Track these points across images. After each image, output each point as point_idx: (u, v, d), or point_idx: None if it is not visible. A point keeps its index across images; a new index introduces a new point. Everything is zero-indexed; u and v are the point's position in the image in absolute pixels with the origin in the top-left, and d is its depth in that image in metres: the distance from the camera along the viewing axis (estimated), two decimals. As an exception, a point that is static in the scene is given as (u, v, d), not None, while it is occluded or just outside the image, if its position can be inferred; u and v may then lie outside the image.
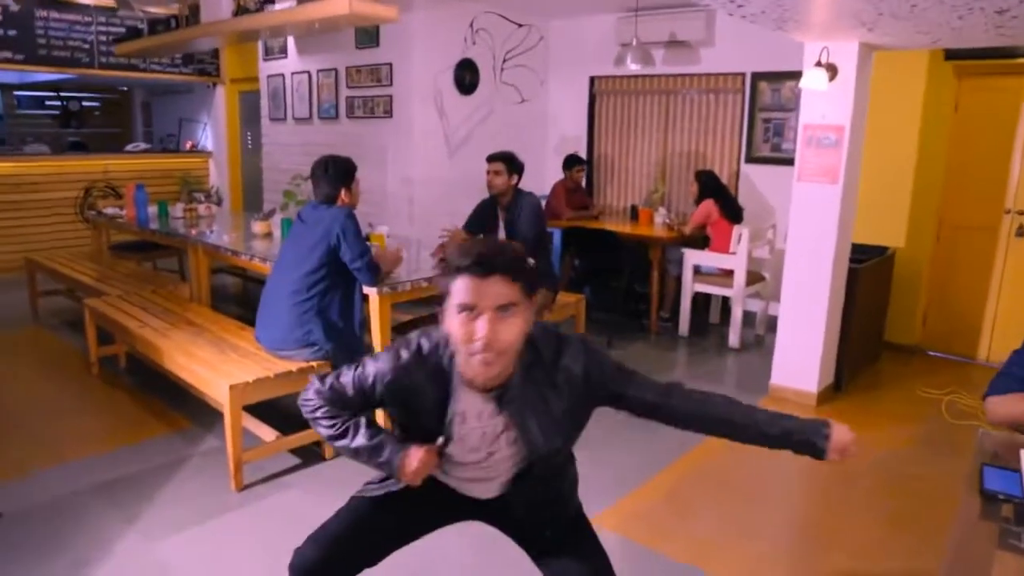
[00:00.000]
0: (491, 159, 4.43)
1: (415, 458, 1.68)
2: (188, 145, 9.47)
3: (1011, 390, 1.98)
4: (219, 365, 3.40)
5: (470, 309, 1.48)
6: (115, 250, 6.57)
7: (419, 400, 1.66)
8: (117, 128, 10.76)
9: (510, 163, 4.42)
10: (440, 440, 1.67)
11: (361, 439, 1.73)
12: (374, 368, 1.70)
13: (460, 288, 1.48)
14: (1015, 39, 3.77)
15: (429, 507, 1.92)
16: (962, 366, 5.37)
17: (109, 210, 6.23)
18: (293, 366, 3.38)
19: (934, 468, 3.70)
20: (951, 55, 5.15)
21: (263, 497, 3.25)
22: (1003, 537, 1.48)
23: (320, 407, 1.76)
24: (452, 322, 1.52)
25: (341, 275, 3.44)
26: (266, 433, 3.50)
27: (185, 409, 4.08)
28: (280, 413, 3.74)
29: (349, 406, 1.75)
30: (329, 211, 3.45)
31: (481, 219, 4.66)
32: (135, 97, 10.96)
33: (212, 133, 9.44)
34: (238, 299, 6.96)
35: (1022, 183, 5.15)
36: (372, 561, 1.89)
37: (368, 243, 3.86)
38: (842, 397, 4.64)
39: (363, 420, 1.77)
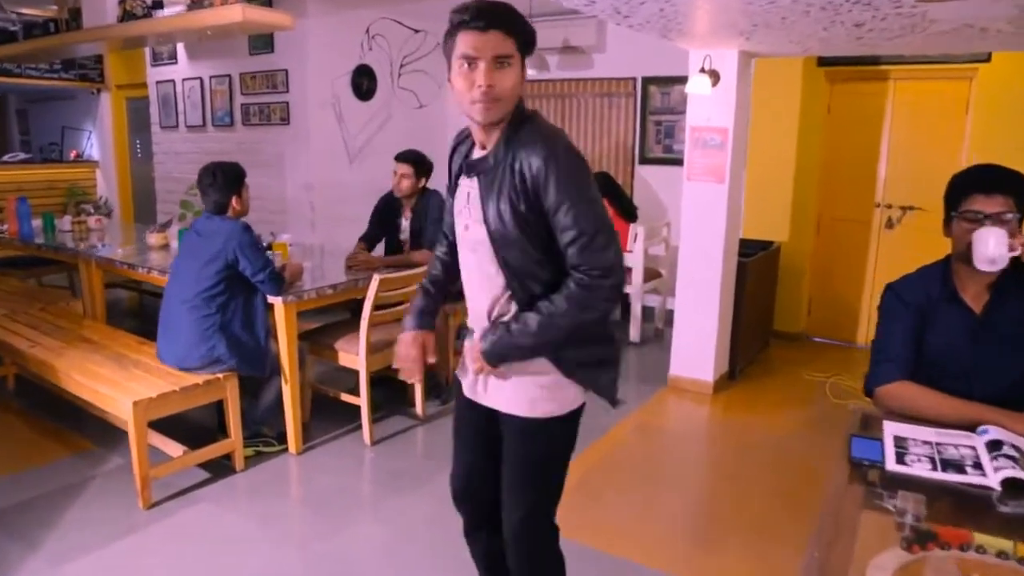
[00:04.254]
0: (399, 159, 4.25)
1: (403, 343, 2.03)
2: (72, 154, 9.05)
3: (895, 378, 2.05)
4: (121, 382, 3.32)
5: (471, 60, 1.64)
6: (-4, 267, 6.25)
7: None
8: (-11, 137, 10.17)
9: (419, 166, 4.27)
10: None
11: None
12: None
13: (462, 41, 1.64)
14: (874, 48, 4.12)
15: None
16: (844, 350, 5.78)
17: (-12, 225, 5.91)
18: (199, 379, 3.33)
19: (817, 446, 3.99)
20: (823, 62, 5.54)
21: (172, 514, 3.19)
22: (868, 499, 1.66)
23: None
24: (456, 76, 1.68)
25: (241, 287, 3.42)
26: (173, 449, 3.44)
27: (86, 431, 3.94)
28: (188, 426, 3.68)
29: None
30: (224, 224, 3.40)
31: (384, 219, 4.52)
32: (9, 103, 10.35)
33: (98, 141, 9.06)
34: (134, 313, 6.73)
35: (889, 179, 5.59)
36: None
37: (270, 253, 3.85)
38: (736, 384, 4.92)
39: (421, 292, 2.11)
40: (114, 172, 8.91)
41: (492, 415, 1.93)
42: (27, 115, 10.31)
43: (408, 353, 2.02)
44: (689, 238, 4.64)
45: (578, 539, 2.98)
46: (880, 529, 1.55)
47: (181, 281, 3.43)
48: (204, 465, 3.53)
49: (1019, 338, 1.98)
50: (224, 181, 3.44)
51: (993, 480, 1.62)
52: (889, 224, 5.63)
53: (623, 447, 3.93)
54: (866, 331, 5.83)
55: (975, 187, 1.96)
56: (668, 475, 3.74)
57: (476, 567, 2.22)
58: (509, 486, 1.94)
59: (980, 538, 1.45)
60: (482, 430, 1.98)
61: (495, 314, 1.85)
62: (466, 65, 1.64)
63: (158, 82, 7.54)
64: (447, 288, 2.13)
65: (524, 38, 1.68)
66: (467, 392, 1.99)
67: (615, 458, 3.81)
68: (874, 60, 5.32)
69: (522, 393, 1.85)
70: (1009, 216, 1.91)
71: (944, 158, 5.30)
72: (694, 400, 4.64)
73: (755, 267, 5.03)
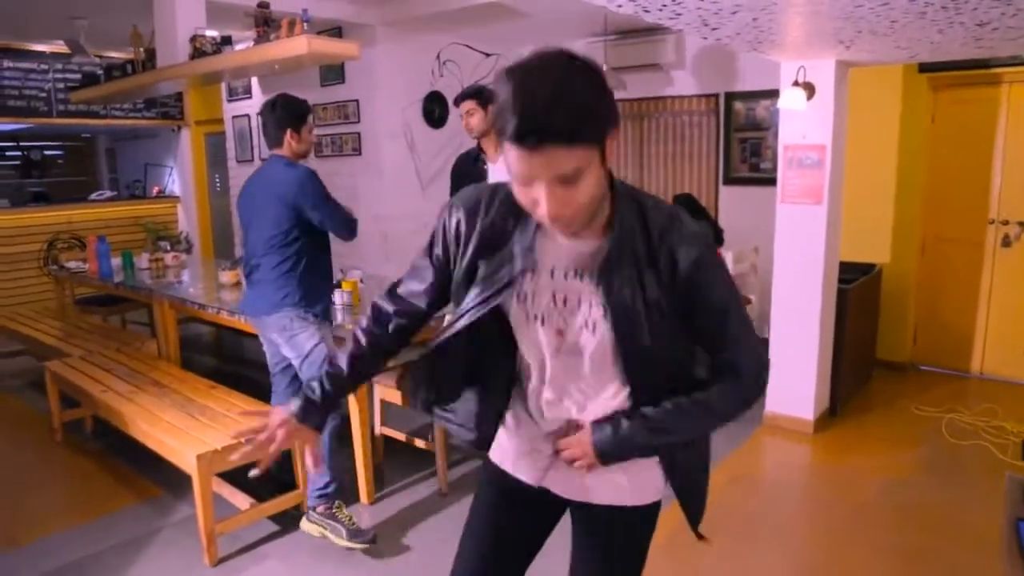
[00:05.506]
0: (459, 100, 3.87)
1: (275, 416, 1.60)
2: (155, 190, 9.25)
3: None
4: (187, 431, 3.20)
5: (526, 179, 1.22)
6: (81, 304, 6.34)
7: (501, 237, 1.42)
8: (82, 176, 10.45)
9: (480, 96, 3.81)
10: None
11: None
12: (443, 223, 1.48)
13: (509, 153, 1.20)
14: (993, 51, 3.70)
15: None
16: (956, 380, 5.27)
17: (72, 263, 6.00)
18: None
19: (943, 495, 3.56)
20: (925, 68, 5.09)
21: (239, 571, 3.03)
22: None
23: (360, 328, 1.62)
24: (513, 185, 1.27)
25: (309, 235, 3.18)
26: (240, 500, 3.29)
27: (157, 475, 3.84)
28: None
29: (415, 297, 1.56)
30: (288, 172, 3.10)
31: (468, 177, 3.91)
32: (99, 143, 10.69)
33: (179, 177, 9.23)
34: (213, 349, 6.73)
35: (1005, 193, 5.08)
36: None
37: (339, 291, 3.73)
38: (838, 422, 4.50)
39: (323, 373, 1.62)
40: (194, 207, 9.04)
41: (554, 507, 1.66)
42: (115, 154, 10.62)
43: (273, 432, 1.59)
44: (784, 265, 4.28)
45: (674, 611, 2.69)
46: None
47: (254, 237, 3.23)
48: (272, 518, 3.37)
49: None
50: (283, 113, 3.14)
51: None
52: (1006, 242, 5.12)
53: (717, 501, 3.58)
54: (981, 359, 5.31)
55: None
56: (772, 534, 3.36)
57: None
58: None
59: None
60: (514, 522, 1.69)
61: (598, 412, 1.51)
62: (520, 179, 1.24)
63: (234, 117, 7.61)
64: (362, 378, 1.66)
65: (598, 131, 1.21)
66: (547, 484, 1.62)
67: (709, 514, 3.45)
68: (984, 63, 4.86)
69: (641, 479, 1.62)
70: None
71: (1070, 168, 4.80)
72: (794, 441, 4.25)
73: (857, 294, 4.61)
